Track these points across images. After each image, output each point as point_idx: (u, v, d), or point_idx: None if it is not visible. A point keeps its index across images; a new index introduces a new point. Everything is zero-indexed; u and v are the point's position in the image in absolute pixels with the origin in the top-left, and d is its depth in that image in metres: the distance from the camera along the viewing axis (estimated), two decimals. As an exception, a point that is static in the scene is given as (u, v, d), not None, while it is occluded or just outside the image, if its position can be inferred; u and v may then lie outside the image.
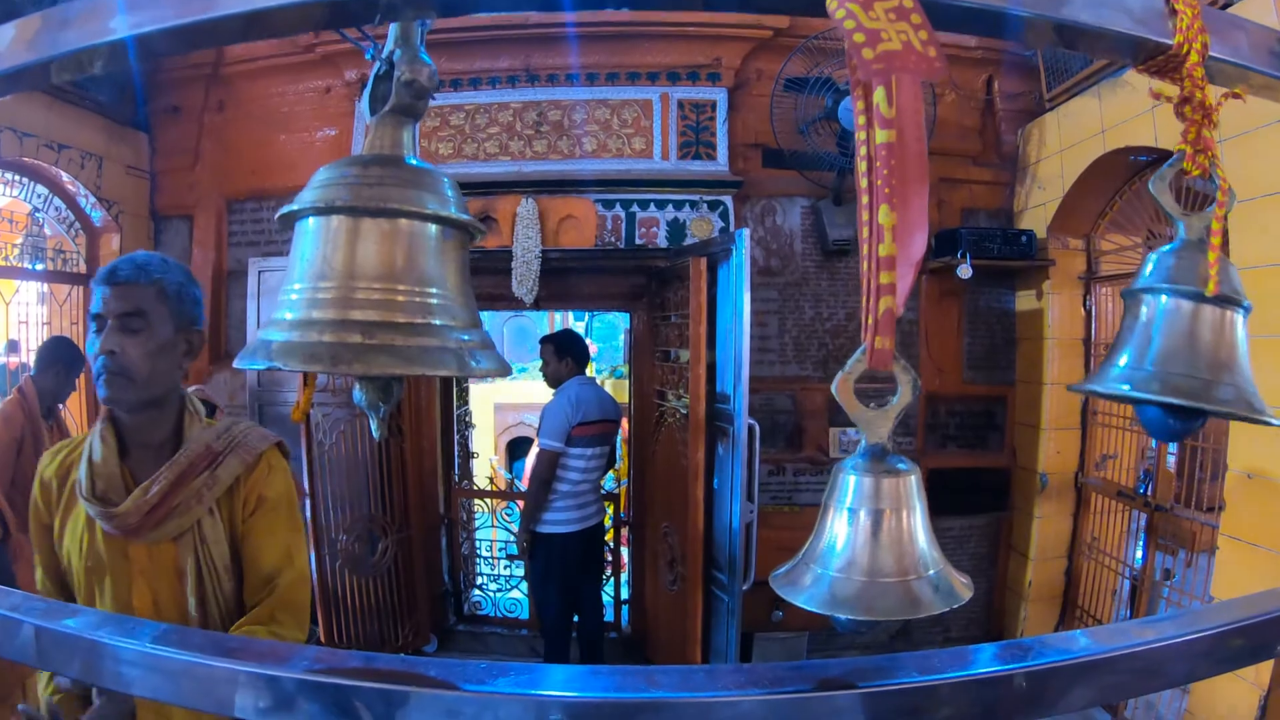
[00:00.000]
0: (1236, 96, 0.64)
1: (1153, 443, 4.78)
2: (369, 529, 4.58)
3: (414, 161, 0.58)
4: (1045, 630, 5.04)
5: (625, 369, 8.46)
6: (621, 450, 5.64)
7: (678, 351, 4.30)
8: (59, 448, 1.62)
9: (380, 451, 4.60)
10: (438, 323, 0.53)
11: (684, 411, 4.13)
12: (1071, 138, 4.53)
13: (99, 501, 1.48)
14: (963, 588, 0.54)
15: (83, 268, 4.97)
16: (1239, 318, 0.67)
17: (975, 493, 4.58)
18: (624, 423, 5.15)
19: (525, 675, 0.53)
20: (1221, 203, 0.64)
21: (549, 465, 4.14)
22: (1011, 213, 5.09)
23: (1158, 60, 0.58)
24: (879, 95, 0.51)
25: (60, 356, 3.95)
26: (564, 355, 4.32)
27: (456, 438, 5.39)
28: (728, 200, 4.67)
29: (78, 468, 1.52)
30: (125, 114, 5.00)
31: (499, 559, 5.73)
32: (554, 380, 4.33)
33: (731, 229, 4.46)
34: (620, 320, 9.80)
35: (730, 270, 3.91)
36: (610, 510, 5.02)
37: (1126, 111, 3.88)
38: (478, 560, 5.65)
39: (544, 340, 4.52)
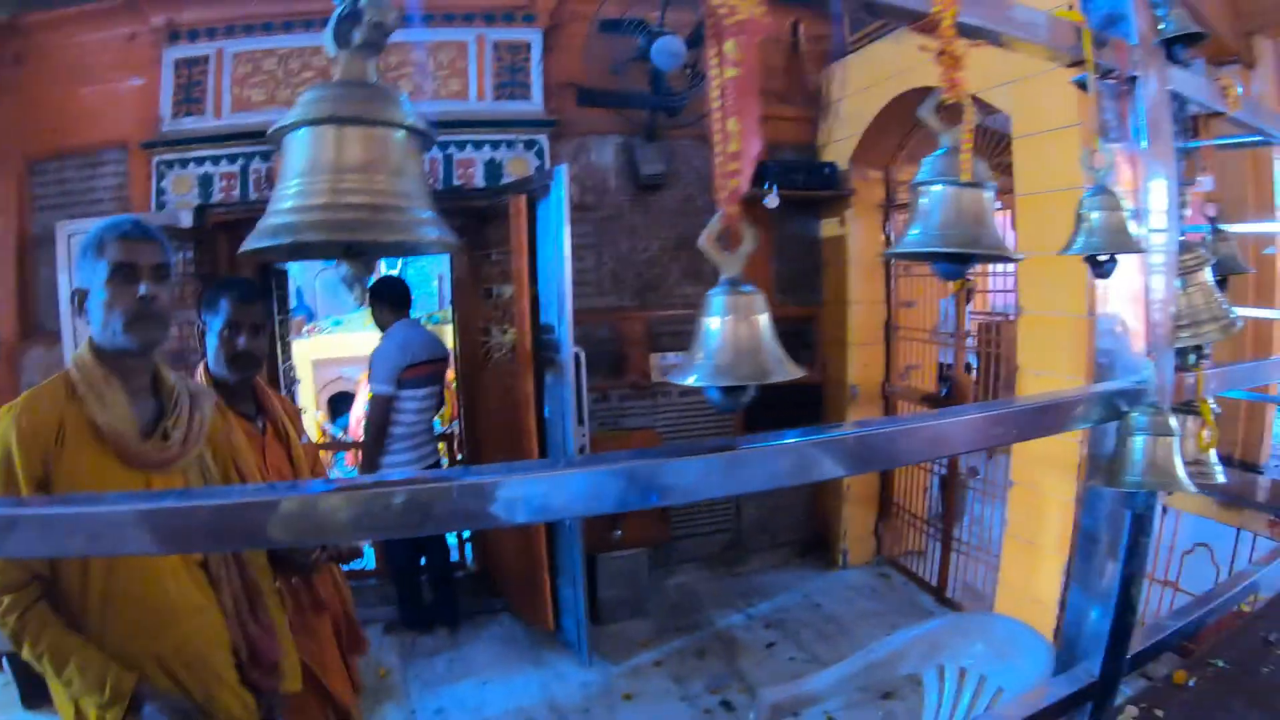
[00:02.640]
0: (978, 46, 0.92)
1: (947, 353, 5.22)
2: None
3: (387, 88, 0.73)
4: (866, 530, 5.43)
5: (441, 315, 8.44)
6: (446, 394, 5.69)
7: (500, 288, 4.41)
8: (28, 401, 1.68)
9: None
10: (412, 206, 0.69)
11: (510, 345, 4.25)
12: (871, 78, 4.87)
13: (129, 440, 1.67)
14: (795, 368, 0.72)
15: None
16: (987, 194, 0.91)
17: (791, 407, 4.89)
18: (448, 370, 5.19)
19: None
20: (968, 120, 0.88)
21: (383, 410, 4.18)
22: (816, 147, 5.44)
23: (923, 22, 0.86)
24: (730, 45, 0.71)
25: None
26: (382, 301, 4.35)
27: (283, 393, 5.31)
28: (543, 139, 4.80)
29: (71, 414, 1.66)
30: (-91, 74, 4.60)
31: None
32: (381, 327, 4.36)
33: (547, 167, 4.60)
34: (434, 266, 9.83)
35: (549, 206, 4.05)
36: (443, 451, 5.09)
37: (920, 56, 4.18)
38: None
39: (369, 291, 4.53)
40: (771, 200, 4.74)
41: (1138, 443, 1.00)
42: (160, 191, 4.55)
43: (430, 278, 10.31)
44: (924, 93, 0.88)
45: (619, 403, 5.05)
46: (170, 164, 4.56)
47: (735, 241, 0.73)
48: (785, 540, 5.56)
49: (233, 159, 4.58)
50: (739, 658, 4.23)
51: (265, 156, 4.53)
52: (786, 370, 0.72)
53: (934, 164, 0.88)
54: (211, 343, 2.24)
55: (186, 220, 4.45)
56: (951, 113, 0.85)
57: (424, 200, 0.70)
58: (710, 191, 0.76)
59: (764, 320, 0.72)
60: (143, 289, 1.67)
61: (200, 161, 4.55)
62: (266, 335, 2.36)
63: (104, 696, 1.59)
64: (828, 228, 5.47)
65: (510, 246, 4.17)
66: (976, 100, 3.37)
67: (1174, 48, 1.13)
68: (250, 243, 0.68)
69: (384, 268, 8.56)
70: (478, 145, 4.71)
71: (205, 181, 4.56)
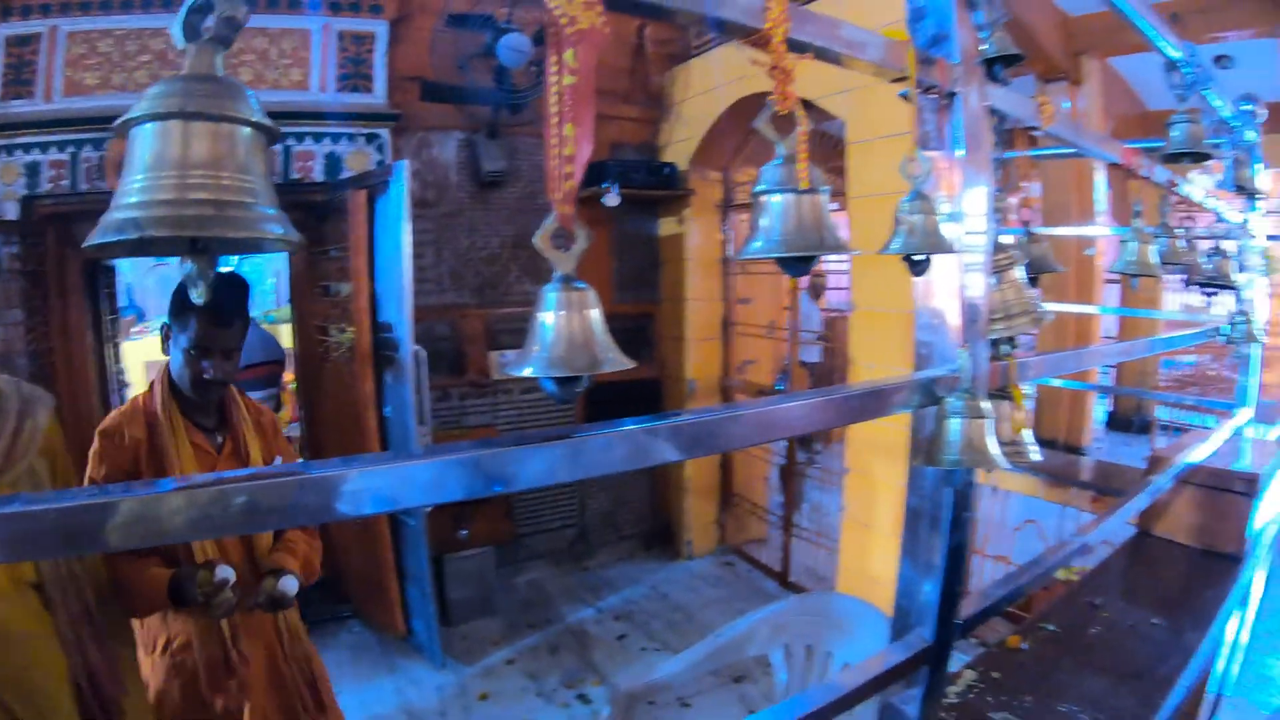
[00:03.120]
0: (804, 59, 0.97)
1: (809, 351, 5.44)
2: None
3: (231, 80, 0.72)
4: (709, 521, 5.59)
5: (277, 314, 8.14)
6: (283, 396, 5.49)
7: (338, 286, 4.30)
8: None
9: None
10: (258, 202, 0.69)
11: (349, 344, 4.15)
12: (713, 82, 5.02)
13: None
14: (625, 359, 0.74)
15: None
16: (823, 198, 0.96)
17: (631, 401, 4.99)
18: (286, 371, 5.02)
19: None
20: (802, 129, 0.93)
21: (215, 412, 4.00)
22: (657, 147, 5.57)
23: (754, 38, 0.90)
24: (569, 54, 0.76)
25: None
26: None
27: (114, 398, 5.00)
28: (385, 134, 4.72)
29: None
30: None
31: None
32: None
33: (388, 162, 4.55)
34: (271, 263, 9.37)
35: (389, 202, 3.99)
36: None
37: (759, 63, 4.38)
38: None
39: None
40: (611, 199, 4.82)
41: (954, 425, 1.10)
42: (-15, 181, 4.22)
43: (266, 275, 9.82)
44: (763, 97, 0.94)
45: (459, 401, 5.03)
46: (-5, 150, 4.19)
47: (569, 240, 0.77)
48: (630, 533, 5.68)
49: (63, 146, 4.24)
50: (592, 651, 4.29)
51: (97, 144, 4.24)
52: (617, 361, 0.77)
53: (772, 172, 0.94)
54: (176, 356, 2.05)
55: (11, 212, 4.19)
56: (785, 123, 0.91)
57: (269, 197, 0.71)
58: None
59: (596, 314, 0.77)
60: None
61: (28, 148, 4.21)
62: (239, 356, 2.15)
63: None
64: (666, 226, 5.60)
65: (349, 243, 4.09)
66: (814, 107, 3.53)
67: (994, 67, 1.24)
68: (94, 238, 0.67)
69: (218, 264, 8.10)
70: (318, 138, 4.57)
71: (33, 170, 4.24)
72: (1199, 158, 2.21)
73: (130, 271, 8.41)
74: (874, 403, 1.10)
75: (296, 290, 4.92)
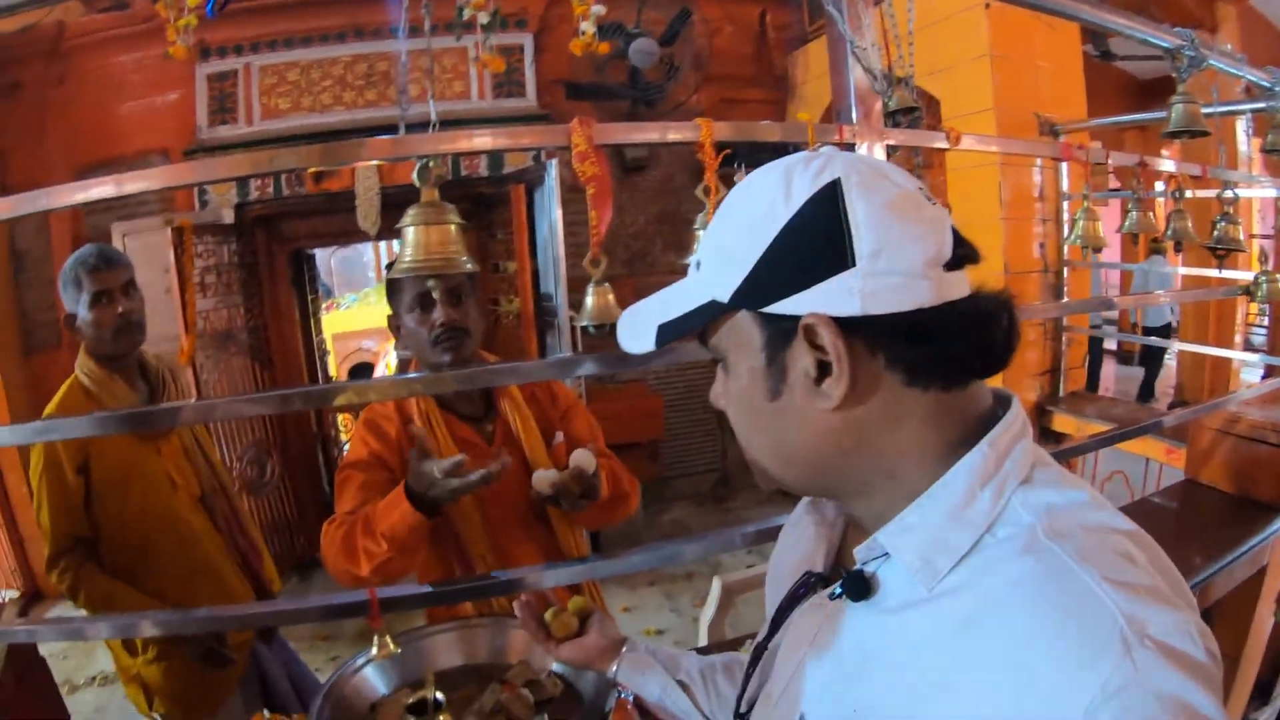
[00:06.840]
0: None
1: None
2: (257, 454, 5.28)
3: (443, 204, 1.40)
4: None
5: None
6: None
7: (505, 263, 5.17)
8: None
9: (256, 382, 5.30)
10: (461, 254, 1.37)
11: (516, 312, 5.02)
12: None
13: None
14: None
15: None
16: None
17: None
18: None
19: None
20: (714, 196, 1.48)
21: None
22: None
23: (695, 144, 1.54)
24: (592, 185, 1.42)
25: None
26: None
27: (317, 363, 6.14)
28: (537, 131, 5.43)
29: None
30: (-40, 96, 5.22)
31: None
32: None
33: (542, 158, 5.30)
34: None
35: (545, 193, 4.80)
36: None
37: (869, 41, 4.89)
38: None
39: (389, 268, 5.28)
40: (740, 179, 5.42)
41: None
42: (202, 192, 5.19)
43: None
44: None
45: (613, 359, 5.76)
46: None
47: (598, 263, 1.42)
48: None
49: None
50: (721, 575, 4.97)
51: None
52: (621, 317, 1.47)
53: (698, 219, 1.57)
54: (409, 335, 1.81)
55: (228, 217, 5.19)
56: (707, 189, 1.54)
57: (465, 251, 1.42)
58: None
59: (611, 298, 1.44)
60: (121, 307, 2.10)
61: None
62: (477, 300, 1.85)
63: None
64: (794, 202, 6.15)
65: (512, 228, 4.95)
66: (919, 89, 4.12)
67: (895, 116, 1.81)
68: (392, 273, 1.44)
69: (394, 248, 9.06)
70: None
71: (242, 182, 5.10)
72: (1196, 134, 2.33)
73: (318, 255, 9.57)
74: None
75: (470, 268, 5.88)
